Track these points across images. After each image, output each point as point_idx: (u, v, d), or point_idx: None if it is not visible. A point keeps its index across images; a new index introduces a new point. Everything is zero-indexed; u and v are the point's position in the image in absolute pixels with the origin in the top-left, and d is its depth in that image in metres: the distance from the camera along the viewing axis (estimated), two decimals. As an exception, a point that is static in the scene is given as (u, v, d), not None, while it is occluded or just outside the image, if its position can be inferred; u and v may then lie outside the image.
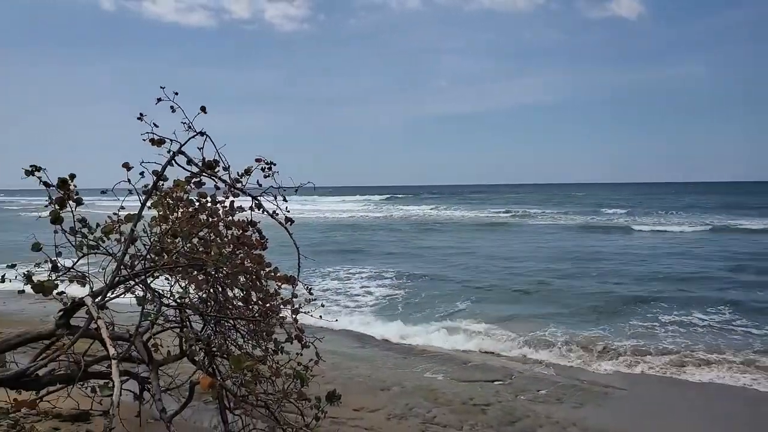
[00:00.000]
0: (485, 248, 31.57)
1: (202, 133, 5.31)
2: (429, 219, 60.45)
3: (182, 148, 5.25)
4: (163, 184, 5.58)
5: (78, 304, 5.86)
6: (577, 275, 23.11)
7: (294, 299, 5.52)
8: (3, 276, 5.89)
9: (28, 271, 5.84)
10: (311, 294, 5.66)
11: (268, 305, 5.43)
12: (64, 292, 5.98)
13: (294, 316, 5.47)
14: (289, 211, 5.42)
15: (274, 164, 5.58)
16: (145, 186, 5.57)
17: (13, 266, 5.84)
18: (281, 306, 5.47)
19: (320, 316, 5.94)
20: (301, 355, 5.38)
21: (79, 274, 5.88)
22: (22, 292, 5.78)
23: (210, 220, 5.53)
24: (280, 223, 5.33)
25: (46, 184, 5.82)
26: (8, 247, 30.51)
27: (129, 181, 5.36)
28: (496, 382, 10.72)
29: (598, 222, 50.55)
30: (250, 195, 5.42)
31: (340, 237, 41.71)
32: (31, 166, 5.80)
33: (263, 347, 5.50)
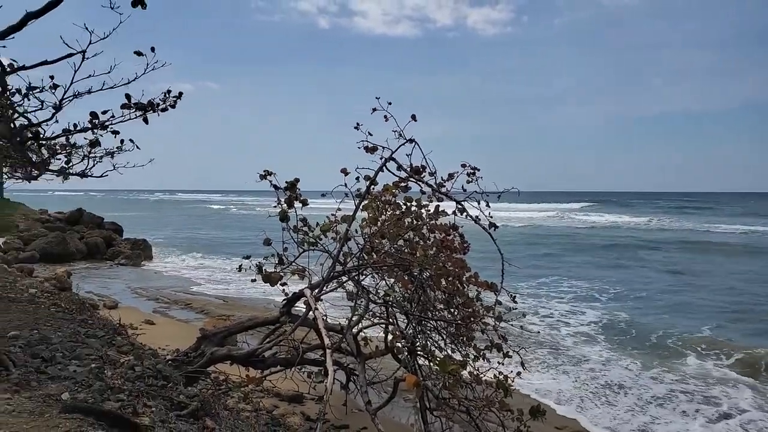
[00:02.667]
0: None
1: (411, 141, 5.52)
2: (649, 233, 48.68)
3: (393, 155, 5.52)
4: (373, 189, 5.93)
5: (298, 295, 6.49)
6: None
7: (496, 306, 5.43)
8: (240, 266, 6.79)
9: (259, 263, 6.65)
10: (515, 302, 5.51)
11: (469, 310, 5.42)
12: (286, 283, 6.68)
13: (496, 323, 5.38)
14: (492, 217, 5.36)
15: (478, 169, 5.58)
16: (358, 190, 5.98)
17: (247, 258, 6.69)
18: (483, 312, 5.42)
19: (521, 327, 5.77)
20: (503, 364, 5.27)
21: (300, 267, 6.52)
22: (254, 281, 6.59)
23: (415, 223, 5.71)
24: (484, 228, 5.28)
25: (275, 186, 6.57)
26: (241, 242, 35.36)
27: (345, 185, 5.81)
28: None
29: None
30: (453, 199, 5.48)
31: (546, 248, 35.91)
32: (264, 171, 6.60)
33: (463, 352, 5.50)
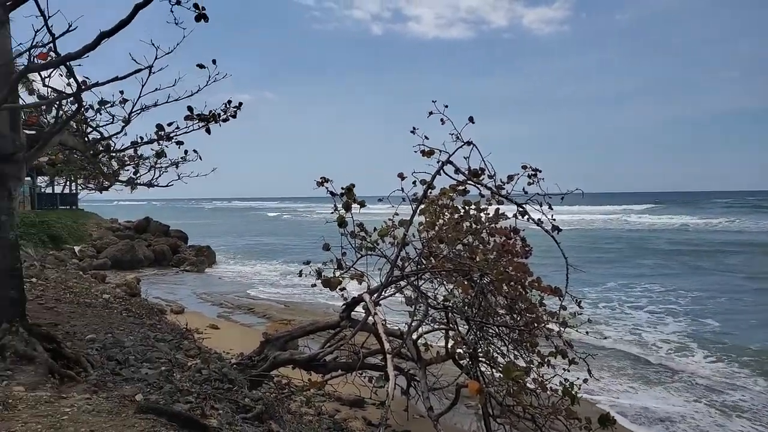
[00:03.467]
0: None
1: (468, 143, 5.46)
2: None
3: (450, 158, 5.48)
4: (430, 192, 5.90)
5: (357, 300, 6.53)
6: None
7: (561, 312, 5.28)
8: (300, 271, 6.90)
9: (318, 268, 6.74)
10: (581, 307, 5.34)
11: (532, 315, 5.30)
12: (345, 288, 6.75)
13: (561, 329, 5.23)
14: (554, 219, 5.22)
15: (539, 171, 5.45)
16: (415, 194, 5.96)
17: (307, 263, 6.80)
18: (547, 318, 5.28)
19: (586, 332, 5.58)
20: (568, 371, 5.11)
21: (359, 272, 6.57)
22: (314, 285, 6.69)
23: (474, 227, 5.63)
24: (546, 231, 5.15)
25: (332, 193, 6.66)
26: (298, 248, 36.03)
27: (402, 189, 5.81)
28: None
29: None
30: (514, 202, 5.37)
31: (615, 250, 34.49)
32: (321, 178, 6.70)
33: (526, 358, 5.38)
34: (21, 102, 6.31)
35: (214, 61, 5.84)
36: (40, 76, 5.30)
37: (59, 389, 4.34)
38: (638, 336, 13.87)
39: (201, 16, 4.89)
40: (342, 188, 6.27)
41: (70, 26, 4.45)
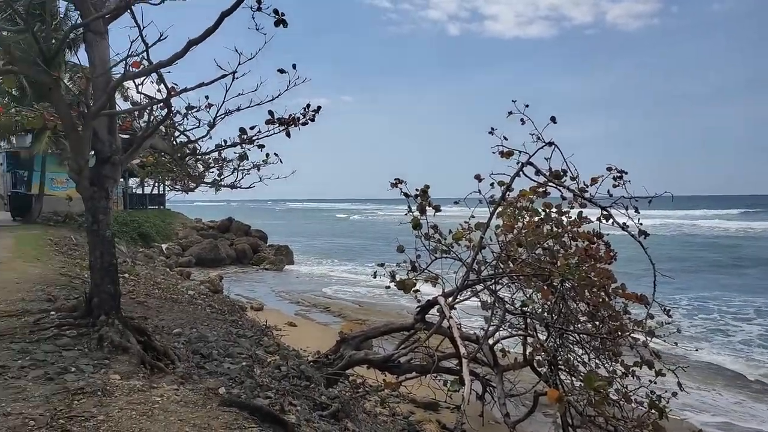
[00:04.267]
0: None
1: (550, 144, 5.28)
2: None
3: (530, 159, 5.33)
4: (509, 195, 5.76)
5: (432, 302, 6.49)
6: None
7: (647, 321, 5.00)
8: (374, 273, 6.95)
9: (392, 270, 6.77)
10: (669, 317, 5.05)
11: (616, 323, 5.06)
12: (419, 290, 6.73)
13: (647, 338, 4.96)
14: (641, 224, 4.96)
15: (625, 172, 5.20)
16: (492, 196, 5.84)
17: (381, 265, 6.84)
18: (632, 326, 5.03)
19: (675, 343, 5.27)
20: (655, 383, 4.84)
21: (433, 275, 6.53)
22: (388, 287, 6.71)
23: (555, 230, 5.45)
24: (633, 236, 4.90)
25: (406, 194, 6.65)
26: (371, 249, 36.41)
27: (479, 191, 5.71)
28: None
29: None
30: (598, 205, 5.15)
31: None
32: (395, 179, 6.72)
33: (609, 368, 5.14)
34: (117, 108, 6.76)
35: (294, 66, 6.00)
36: (134, 83, 5.64)
37: (150, 379, 4.59)
38: (737, 350, 12.94)
39: (280, 21, 5.04)
40: (416, 190, 6.26)
41: (161, 35, 4.71)
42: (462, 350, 4.64)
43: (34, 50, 5.28)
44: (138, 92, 5.88)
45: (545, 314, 5.23)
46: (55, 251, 13.63)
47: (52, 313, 6.35)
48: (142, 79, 5.47)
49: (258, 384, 5.17)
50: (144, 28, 4.54)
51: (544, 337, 5.45)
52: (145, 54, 4.80)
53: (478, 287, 5.89)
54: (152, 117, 6.93)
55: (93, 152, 5.72)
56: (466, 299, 6.10)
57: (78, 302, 6.38)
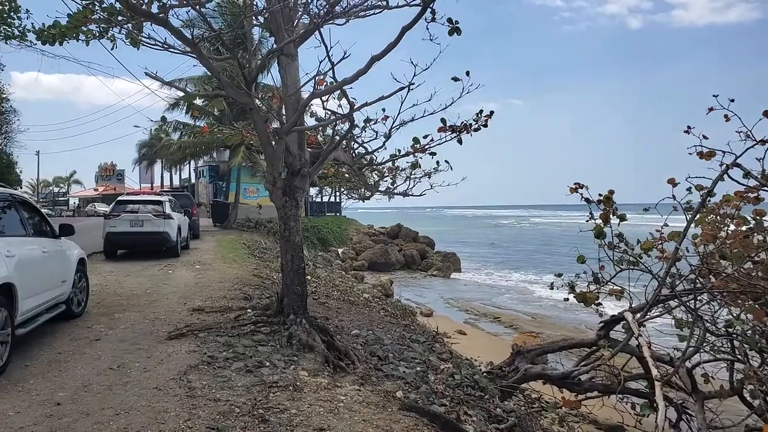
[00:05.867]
0: None
1: (762, 142, 4.60)
2: None
3: (737, 160, 4.69)
4: (710, 200, 5.13)
5: (618, 318, 6.01)
6: None
7: None
8: (552, 284, 6.63)
9: (571, 281, 6.39)
10: None
11: None
12: (601, 304, 6.26)
13: None
14: None
15: None
16: (688, 202, 5.23)
17: (559, 275, 6.50)
18: None
19: None
20: None
21: (618, 288, 6.04)
22: (566, 299, 6.36)
23: (769, 241, 4.73)
24: None
25: (587, 200, 6.24)
26: (543, 258, 35.06)
27: (673, 197, 5.14)
28: None
29: None
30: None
31: None
32: (575, 183, 6.34)
33: None
34: (306, 124, 7.34)
35: (467, 73, 5.98)
36: (321, 100, 6.06)
37: (333, 378, 4.86)
38: None
39: (454, 30, 5.06)
40: (599, 195, 5.86)
41: (345, 53, 5.00)
42: (654, 372, 4.21)
43: (237, 75, 5.95)
44: (324, 108, 6.32)
45: (757, 337, 4.54)
46: (248, 254, 15.21)
47: (249, 310, 7.08)
48: (327, 95, 5.87)
49: (433, 390, 5.21)
50: (331, 48, 4.85)
51: (757, 364, 4.73)
52: (331, 72, 5.13)
53: (672, 303, 5.33)
54: (335, 131, 7.40)
55: (284, 165, 6.27)
56: (657, 316, 5.54)
57: (270, 301, 7.02)
